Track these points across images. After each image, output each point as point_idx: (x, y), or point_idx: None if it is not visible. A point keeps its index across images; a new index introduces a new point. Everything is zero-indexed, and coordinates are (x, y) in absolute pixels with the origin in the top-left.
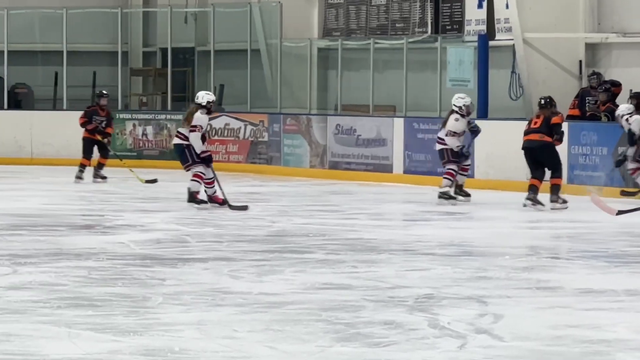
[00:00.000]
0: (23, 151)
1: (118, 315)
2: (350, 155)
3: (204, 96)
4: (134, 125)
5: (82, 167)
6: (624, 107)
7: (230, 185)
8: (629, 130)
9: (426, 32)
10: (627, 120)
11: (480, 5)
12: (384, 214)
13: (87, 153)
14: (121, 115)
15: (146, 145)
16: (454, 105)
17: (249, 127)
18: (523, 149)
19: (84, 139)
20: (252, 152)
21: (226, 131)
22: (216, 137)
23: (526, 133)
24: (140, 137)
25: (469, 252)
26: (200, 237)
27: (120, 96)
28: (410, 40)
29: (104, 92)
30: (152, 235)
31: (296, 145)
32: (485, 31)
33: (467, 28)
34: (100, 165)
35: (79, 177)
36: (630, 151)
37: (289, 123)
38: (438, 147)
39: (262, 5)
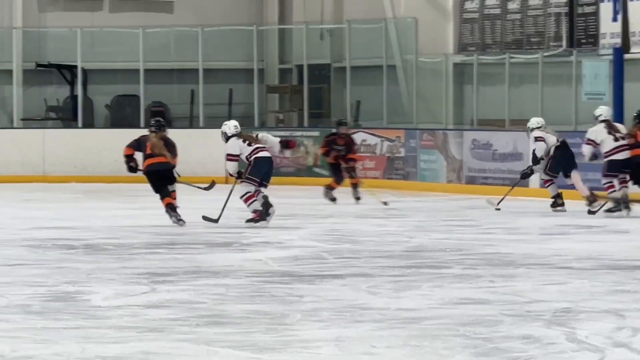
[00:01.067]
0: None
1: (256, 333)
2: (487, 170)
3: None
4: None
5: (330, 188)
6: (533, 120)
7: (368, 201)
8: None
9: (561, 46)
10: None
11: (615, 19)
12: (520, 228)
13: (336, 176)
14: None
15: (283, 162)
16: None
17: (386, 143)
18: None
19: (330, 164)
20: (389, 168)
21: (363, 147)
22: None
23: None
24: (277, 154)
25: (607, 266)
26: (338, 253)
27: (257, 114)
28: (546, 54)
29: (343, 120)
30: (290, 252)
31: (432, 161)
32: (620, 44)
33: (602, 41)
34: (354, 186)
35: (331, 199)
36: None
37: (425, 138)
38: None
39: (398, 21)
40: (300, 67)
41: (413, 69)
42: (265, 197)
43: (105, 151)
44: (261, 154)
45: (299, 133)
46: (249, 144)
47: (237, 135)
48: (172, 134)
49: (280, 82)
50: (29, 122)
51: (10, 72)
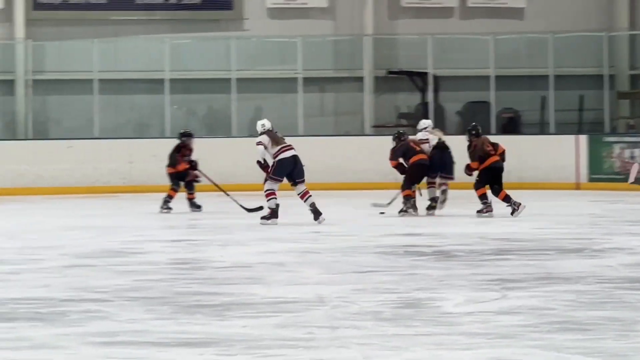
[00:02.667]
0: (511, 175)
1: (607, 339)
2: None
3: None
4: (621, 149)
5: None
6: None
7: None
8: None
9: None
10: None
11: None
12: None
13: None
14: (608, 139)
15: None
16: None
17: None
18: None
19: None
20: None
21: None
22: None
23: None
24: (627, 160)
25: None
26: None
27: (607, 120)
28: None
29: None
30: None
31: None
32: None
33: None
34: None
35: None
36: None
37: None
38: None
39: None
40: None
41: None
42: (313, 205)
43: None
44: (284, 154)
45: None
46: (275, 144)
47: (266, 132)
48: (521, 140)
49: (631, 88)
50: (380, 129)
51: (361, 79)
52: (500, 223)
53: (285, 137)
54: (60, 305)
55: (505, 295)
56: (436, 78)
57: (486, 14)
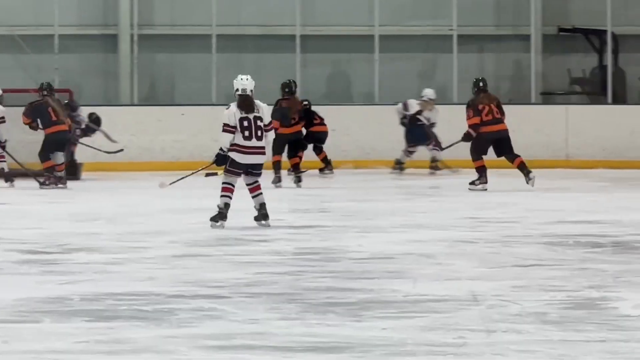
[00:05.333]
0: None
1: None
2: None
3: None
4: None
5: None
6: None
7: None
8: None
9: None
10: None
11: None
12: None
13: None
14: None
15: None
16: None
17: None
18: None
19: None
20: None
21: None
22: None
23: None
24: None
25: None
26: None
27: None
28: None
29: None
30: None
31: None
32: None
33: None
34: None
35: None
36: None
37: None
38: None
39: None
40: None
41: None
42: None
43: (639, 131)
44: None
45: None
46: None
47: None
48: None
49: None
50: (549, 96)
51: (528, 37)
52: None
53: (435, 105)
54: (167, 302)
55: None
56: (616, 37)
57: None
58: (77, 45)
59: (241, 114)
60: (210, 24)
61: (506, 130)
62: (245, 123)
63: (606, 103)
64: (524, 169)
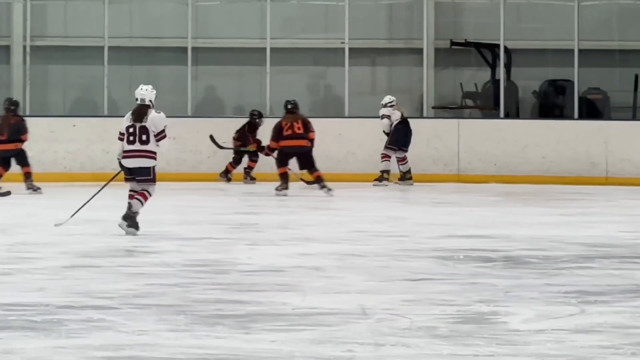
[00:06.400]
0: (597, 169)
1: None
2: None
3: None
4: None
5: None
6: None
7: None
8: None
9: None
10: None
11: None
12: None
13: None
14: None
15: None
16: None
17: None
18: None
19: None
20: None
21: None
22: None
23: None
24: None
25: None
26: None
27: None
28: None
29: None
30: None
31: None
32: None
33: None
34: None
35: None
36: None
37: None
38: None
39: None
40: None
41: None
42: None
43: (531, 146)
44: None
45: None
46: None
47: None
48: (611, 126)
49: None
50: (441, 110)
51: (420, 51)
52: (581, 225)
53: (326, 118)
54: (57, 312)
55: (584, 311)
56: (508, 51)
57: None
58: None
59: (129, 122)
60: (103, 35)
61: (306, 147)
62: (131, 130)
63: (499, 117)
64: (320, 182)
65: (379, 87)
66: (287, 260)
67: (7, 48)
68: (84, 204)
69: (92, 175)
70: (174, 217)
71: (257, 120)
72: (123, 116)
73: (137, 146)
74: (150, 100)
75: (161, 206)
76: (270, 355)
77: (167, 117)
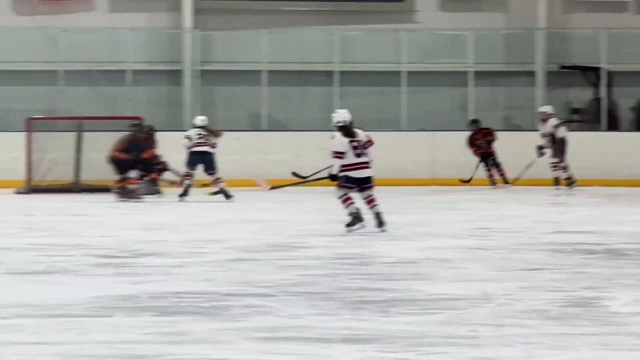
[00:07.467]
0: None
1: None
2: None
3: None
4: None
5: None
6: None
7: None
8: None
9: None
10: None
11: None
12: None
13: None
14: None
15: None
16: None
17: None
18: None
19: None
20: None
21: None
22: None
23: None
24: None
25: None
26: None
27: None
28: None
29: None
30: None
31: None
32: None
33: None
34: None
35: None
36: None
37: None
38: None
39: None
40: None
41: None
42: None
43: (628, 155)
44: None
45: None
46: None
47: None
48: None
49: None
50: None
51: (533, 73)
52: None
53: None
54: (222, 299)
55: None
56: (610, 73)
57: None
58: (146, 79)
59: (348, 140)
60: (262, 60)
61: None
62: (354, 143)
63: (601, 130)
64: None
65: (498, 105)
66: (419, 254)
67: (180, 72)
68: (306, 180)
69: (248, 182)
70: (321, 217)
71: None
72: (281, 130)
73: (364, 158)
74: (350, 121)
75: (312, 207)
76: (406, 335)
77: (317, 131)
